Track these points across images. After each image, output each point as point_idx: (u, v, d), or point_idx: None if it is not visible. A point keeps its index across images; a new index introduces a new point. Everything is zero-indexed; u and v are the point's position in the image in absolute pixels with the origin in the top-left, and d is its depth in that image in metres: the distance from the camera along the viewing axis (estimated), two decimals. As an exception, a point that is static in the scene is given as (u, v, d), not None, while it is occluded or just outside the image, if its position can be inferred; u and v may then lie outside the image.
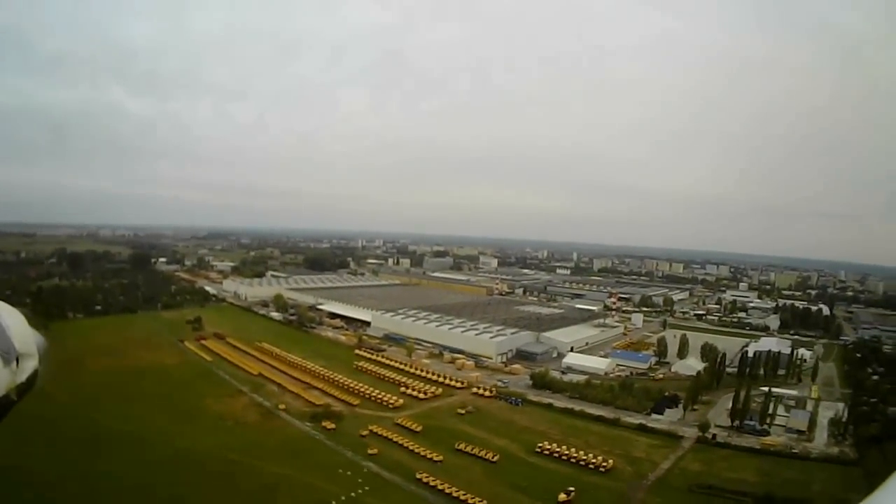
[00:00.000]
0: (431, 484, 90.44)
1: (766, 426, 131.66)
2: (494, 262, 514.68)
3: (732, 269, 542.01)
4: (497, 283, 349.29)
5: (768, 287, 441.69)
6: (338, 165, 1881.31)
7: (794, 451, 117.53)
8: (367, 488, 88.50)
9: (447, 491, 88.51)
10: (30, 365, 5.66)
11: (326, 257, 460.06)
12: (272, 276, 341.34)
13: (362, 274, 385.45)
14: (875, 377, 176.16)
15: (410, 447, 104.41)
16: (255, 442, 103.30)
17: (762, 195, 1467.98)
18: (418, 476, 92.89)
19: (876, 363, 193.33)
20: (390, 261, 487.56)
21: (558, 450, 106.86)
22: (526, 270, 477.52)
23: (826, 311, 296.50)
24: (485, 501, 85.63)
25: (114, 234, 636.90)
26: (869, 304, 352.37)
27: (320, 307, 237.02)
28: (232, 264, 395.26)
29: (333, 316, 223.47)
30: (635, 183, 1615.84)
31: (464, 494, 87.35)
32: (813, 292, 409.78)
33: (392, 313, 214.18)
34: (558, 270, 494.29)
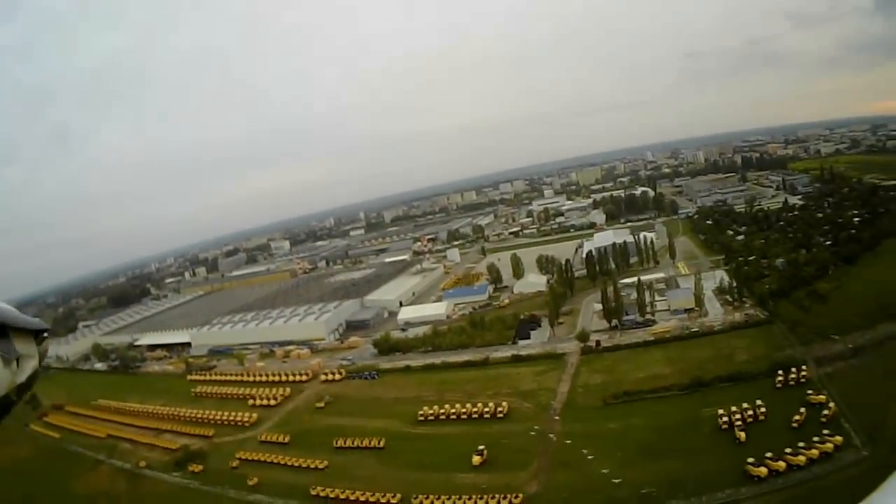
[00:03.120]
0: (331, 496, 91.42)
1: (648, 316, 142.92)
2: (287, 245, 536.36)
3: (528, 182, 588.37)
4: (298, 264, 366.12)
5: (574, 187, 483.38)
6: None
7: (694, 330, 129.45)
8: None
9: (350, 497, 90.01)
10: (30, 365, 5.90)
11: (127, 291, 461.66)
12: (83, 326, 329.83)
13: (165, 296, 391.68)
14: (741, 237, 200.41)
15: (288, 462, 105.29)
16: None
17: (543, 104, 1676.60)
18: (313, 492, 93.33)
19: (735, 224, 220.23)
20: (186, 274, 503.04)
21: (442, 411, 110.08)
22: (320, 243, 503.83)
23: (650, 192, 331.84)
24: (398, 495, 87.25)
25: None
26: (695, 175, 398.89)
27: (137, 343, 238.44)
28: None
29: (153, 348, 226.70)
30: (408, 127, 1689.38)
31: (371, 495, 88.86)
32: (625, 179, 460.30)
33: (208, 326, 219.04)
34: (352, 233, 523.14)
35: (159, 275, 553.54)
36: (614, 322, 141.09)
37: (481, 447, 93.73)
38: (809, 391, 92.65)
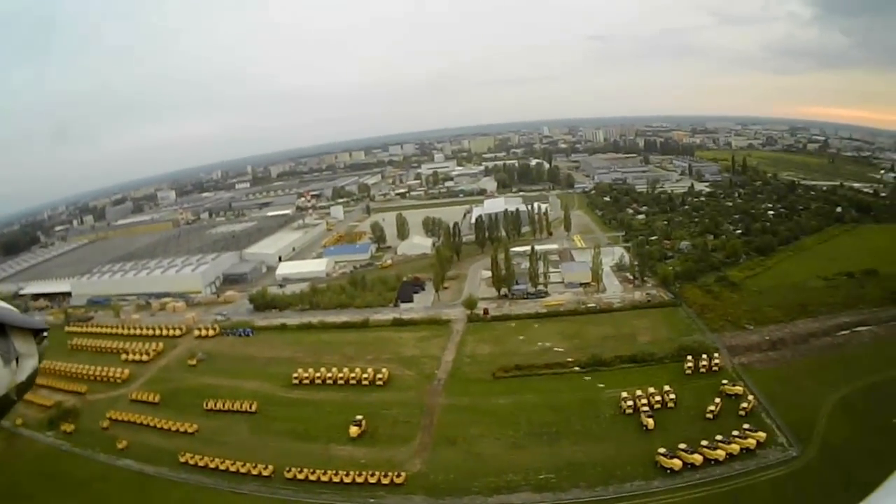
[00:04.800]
0: (200, 464, 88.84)
1: (541, 287, 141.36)
2: (173, 195, 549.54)
3: (419, 146, 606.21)
4: (180, 213, 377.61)
5: (465, 154, 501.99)
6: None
7: (591, 305, 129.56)
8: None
9: (220, 467, 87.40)
10: (29, 364, 6.41)
11: (18, 238, 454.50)
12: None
13: (52, 244, 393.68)
14: (641, 216, 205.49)
15: (158, 425, 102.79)
16: (12, 481, 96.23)
17: (435, 75, 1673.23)
18: (182, 459, 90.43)
19: (635, 203, 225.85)
20: (75, 222, 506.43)
21: (318, 375, 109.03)
22: (206, 194, 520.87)
23: (546, 164, 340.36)
24: (270, 466, 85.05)
25: None
26: (593, 153, 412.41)
27: (22, 293, 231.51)
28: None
29: (36, 297, 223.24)
30: (300, 83, 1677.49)
31: (242, 465, 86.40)
32: (519, 151, 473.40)
33: (88, 275, 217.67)
34: (237, 186, 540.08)
35: (50, 222, 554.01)
36: (504, 291, 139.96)
37: (359, 417, 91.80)
38: (725, 381, 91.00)
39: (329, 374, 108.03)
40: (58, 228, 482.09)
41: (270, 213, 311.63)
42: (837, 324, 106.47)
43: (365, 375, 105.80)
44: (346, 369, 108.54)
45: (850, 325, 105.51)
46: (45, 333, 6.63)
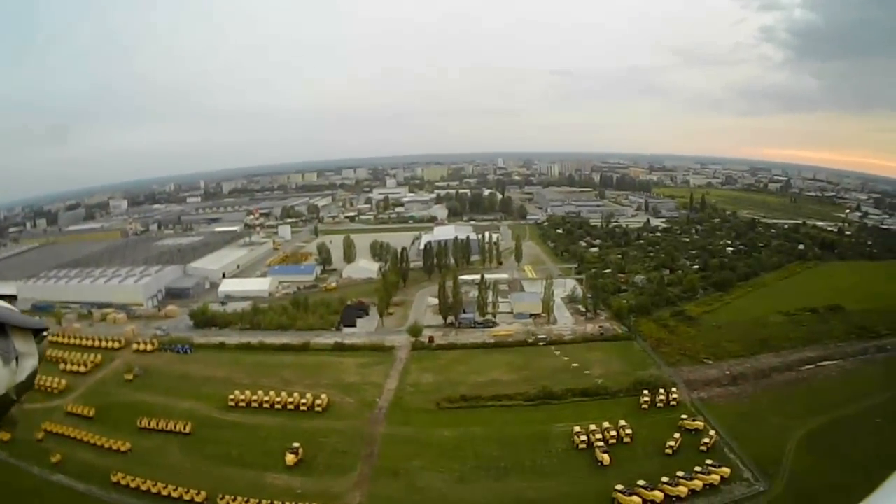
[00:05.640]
0: (132, 485, 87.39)
1: (489, 316, 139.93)
2: (125, 204, 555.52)
3: (371, 171, 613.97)
4: (130, 223, 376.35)
5: (418, 181, 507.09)
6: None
7: (541, 337, 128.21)
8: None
9: (152, 489, 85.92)
10: (29, 364, 6.62)
11: None
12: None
13: (5, 245, 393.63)
14: (594, 249, 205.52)
15: (91, 440, 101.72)
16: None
17: (393, 101, 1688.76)
18: (113, 479, 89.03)
19: (589, 236, 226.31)
20: (28, 224, 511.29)
21: (255, 398, 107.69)
22: (157, 206, 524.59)
23: (499, 195, 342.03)
24: (202, 492, 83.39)
25: None
26: (548, 185, 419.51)
27: None
28: None
29: None
30: (260, 104, 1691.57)
31: (174, 489, 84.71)
32: (472, 181, 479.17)
33: (35, 279, 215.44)
34: (188, 200, 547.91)
35: (6, 223, 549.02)
36: (450, 319, 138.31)
37: (296, 444, 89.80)
38: (684, 416, 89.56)
39: (266, 398, 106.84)
40: (11, 230, 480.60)
41: (218, 229, 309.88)
42: (801, 358, 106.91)
43: (303, 401, 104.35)
44: (284, 393, 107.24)
45: (815, 360, 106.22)
46: (45, 333, 6.67)
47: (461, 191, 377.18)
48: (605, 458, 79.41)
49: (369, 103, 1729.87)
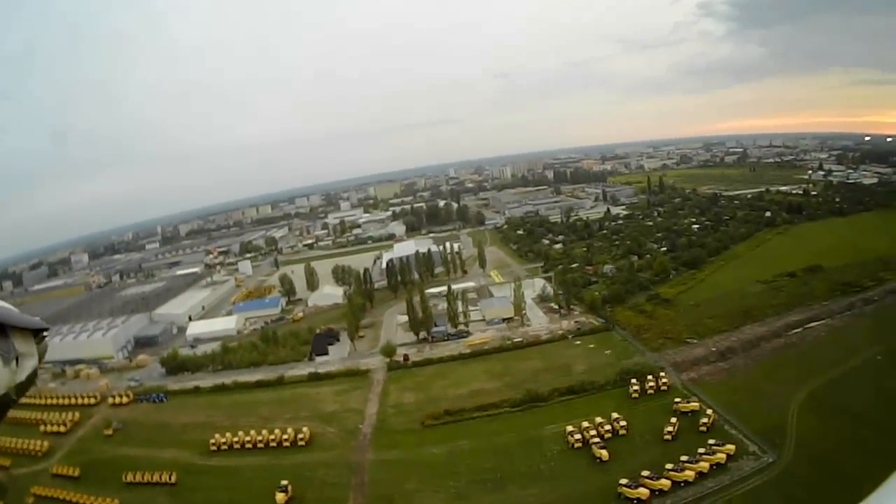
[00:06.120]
0: None
1: (461, 326, 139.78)
2: (85, 258, 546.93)
3: (324, 197, 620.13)
4: (92, 277, 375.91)
5: (371, 201, 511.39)
6: None
7: (517, 340, 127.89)
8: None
9: None
10: (29, 364, 6.28)
11: None
12: None
13: None
14: (558, 246, 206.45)
15: (80, 501, 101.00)
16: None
17: (336, 125, 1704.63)
18: None
19: (551, 234, 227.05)
20: None
21: (236, 439, 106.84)
22: (118, 256, 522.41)
23: (454, 204, 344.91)
24: None
25: None
26: (501, 189, 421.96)
27: None
28: None
29: None
30: (207, 145, 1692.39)
31: None
32: (426, 194, 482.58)
33: None
34: (147, 247, 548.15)
35: None
36: (422, 334, 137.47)
37: (285, 482, 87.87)
38: (677, 399, 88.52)
39: (248, 438, 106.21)
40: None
41: (179, 272, 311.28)
42: (787, 323, 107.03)
43: (285, 436, 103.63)
44: (265, 431, 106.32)
45: (801, 323, 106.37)
46: (45, 333, 6.28)
47: (416, 205, 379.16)
48: (604, 453, 77.96)
49: (314, 127, 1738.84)
